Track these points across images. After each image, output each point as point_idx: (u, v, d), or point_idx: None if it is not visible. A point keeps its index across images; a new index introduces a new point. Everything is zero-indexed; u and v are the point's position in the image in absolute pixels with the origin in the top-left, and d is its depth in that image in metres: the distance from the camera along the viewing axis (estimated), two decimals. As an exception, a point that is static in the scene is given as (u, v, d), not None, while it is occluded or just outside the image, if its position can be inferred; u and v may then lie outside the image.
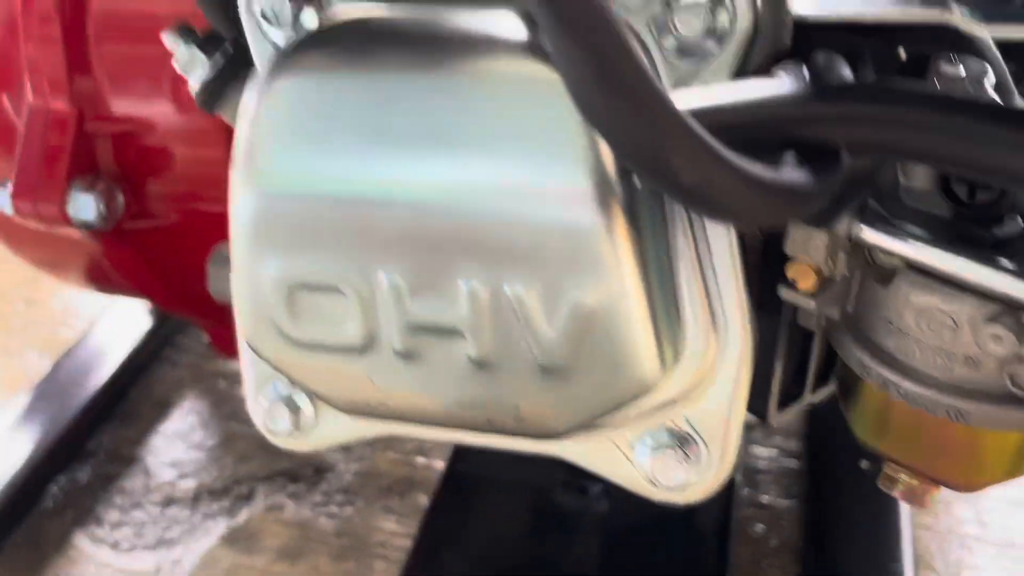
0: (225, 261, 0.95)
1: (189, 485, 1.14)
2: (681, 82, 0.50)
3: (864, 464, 0.75)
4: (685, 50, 0.50)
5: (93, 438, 1.19)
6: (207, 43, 0.59)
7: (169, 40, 0.59)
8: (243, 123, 0.50)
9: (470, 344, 0.50)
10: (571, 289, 0.47)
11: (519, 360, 0.50)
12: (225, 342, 1.15)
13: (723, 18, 0.49)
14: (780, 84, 0.46)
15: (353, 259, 0.49)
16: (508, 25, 0.47)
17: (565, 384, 0.50)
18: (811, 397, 0.66)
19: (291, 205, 0.49)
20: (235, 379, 1.29)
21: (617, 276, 0.46)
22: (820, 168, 0.44)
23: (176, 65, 0.59)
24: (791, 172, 0.42)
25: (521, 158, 0.46)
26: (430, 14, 0.49)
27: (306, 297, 0.51)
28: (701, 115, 0.41)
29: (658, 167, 0.38)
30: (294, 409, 0.60)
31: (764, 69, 0.50)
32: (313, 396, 0.59)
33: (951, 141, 0.43)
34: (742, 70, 0.49)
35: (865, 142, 0.45)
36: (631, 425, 0.54)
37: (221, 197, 0.91)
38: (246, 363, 0.61)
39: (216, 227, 0.93)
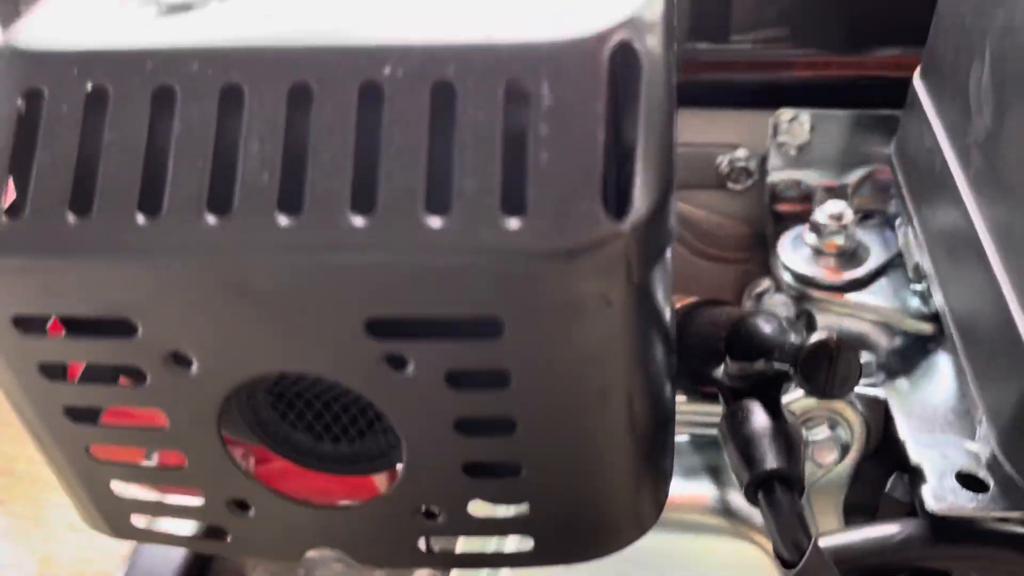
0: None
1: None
2: (813, 481, 0.67)
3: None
4: (816, 463, 0.67)
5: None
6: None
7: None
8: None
9: None
10: None
11: None
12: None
13: (843, 435, 0.66)
14: (902, 524, 0.62)
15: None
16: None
17: None
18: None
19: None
20: (300, 540, 1.41)
21: None
22: None
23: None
24: None
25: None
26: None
27: None
28: (843, 550, 0.58)
29: None
30: None
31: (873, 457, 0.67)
32: None
33: None
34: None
35: (975, 568, 0.63)
36: None
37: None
38: None
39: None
